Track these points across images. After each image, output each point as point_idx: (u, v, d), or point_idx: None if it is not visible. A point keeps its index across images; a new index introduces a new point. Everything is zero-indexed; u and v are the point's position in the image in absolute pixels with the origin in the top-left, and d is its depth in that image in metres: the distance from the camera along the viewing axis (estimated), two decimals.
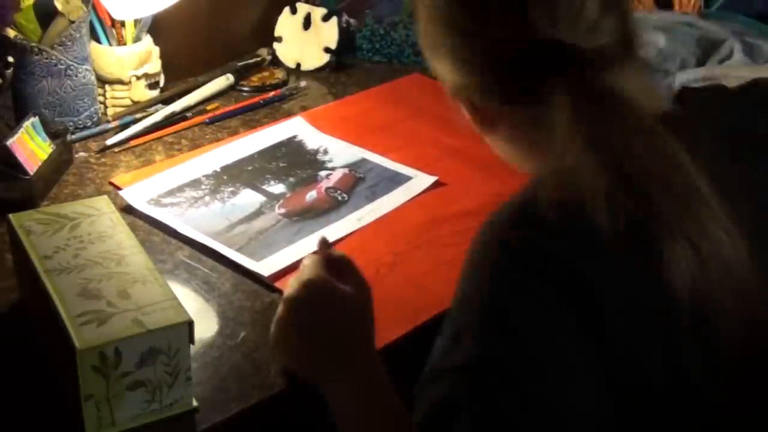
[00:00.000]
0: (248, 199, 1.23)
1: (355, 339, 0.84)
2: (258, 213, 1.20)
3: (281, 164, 1.32)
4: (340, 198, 1.23)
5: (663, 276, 0.67)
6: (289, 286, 0.85)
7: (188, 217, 1.18)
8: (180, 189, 1.24)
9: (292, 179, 1.28)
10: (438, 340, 0.71)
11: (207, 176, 1.28)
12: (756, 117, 0.81)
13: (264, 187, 1.26)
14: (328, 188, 1.25)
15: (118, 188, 1.23)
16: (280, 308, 0.85)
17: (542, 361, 0.66)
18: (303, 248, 1.11)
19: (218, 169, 1.29)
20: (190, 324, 0.83)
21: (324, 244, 0.91)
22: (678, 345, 0.68)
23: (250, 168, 1.30)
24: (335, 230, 1.16)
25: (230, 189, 1.25)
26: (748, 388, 0.71)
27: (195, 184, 1.26)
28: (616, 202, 0.66)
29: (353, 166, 1.31)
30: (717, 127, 0.78)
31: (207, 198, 1.23)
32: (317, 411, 0.98)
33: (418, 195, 1.24)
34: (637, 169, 0.68)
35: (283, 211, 1.20)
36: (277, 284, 1.05)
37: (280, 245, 1.12)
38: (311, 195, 1.24)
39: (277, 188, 1.25)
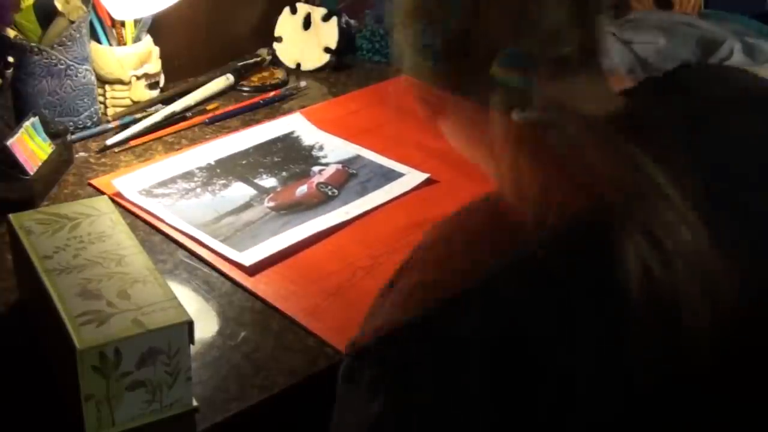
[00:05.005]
0: (239, 192, 1.24)
1: None
2: (247, 206, 1.20)
3: (276, 159, 1.32)
4: (330, 193, 1.23)
5: (617, 274, 0.66)
6: None
7: (177, 208, 1.18)
8: (172, 180, 1.25)
9: (284, 174, 1.28)
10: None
11: (200, 168, 1.28)
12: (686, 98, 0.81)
13: (256, 180, 1.26)
14: (319, 183, 1.25)
15: (98, 189, 1.23)
16: None
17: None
18: (286, 239, 1.12)
19: (212, 162, 1.30)
20: (190, 324, 0.83)
21: None
22: (638, 343, 0.67)
23: (244, 162, 1.31)
24: (321, 222, 1.16)
25: (222, 182, 1.26)
26: (721, 378, 0.71)
27: (188, 176, 1.27)
28: (560, 203, 0.66)
29: (347, 163, 1.31)
30: (668, 115, 0.78)
31: (198, 190, 1.23)
32: (317, 411, 0.98)
33: (407, 192, 1.24)
34: (585, 171, 0.68)
35: (272, 204, 1.21)
36: (254, 279, 1.06)
37: (264, 236, 1.13)
38: (301, 190, 1.24)
39: (269, 182, 1.26)
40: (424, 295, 0.68)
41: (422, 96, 0.79)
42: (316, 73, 1.61)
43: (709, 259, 0.67)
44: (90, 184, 1.25)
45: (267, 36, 1.63)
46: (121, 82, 1.41)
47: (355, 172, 1.29)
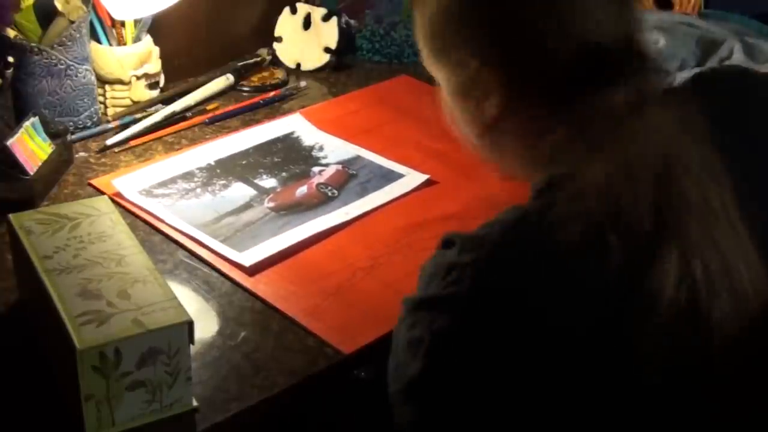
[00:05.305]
0: (239, 192, 1.24)
1: None
2: (247, 206, 1.20)
3: (275, 159, 1.32)
4: (330, 194, 1.23)
5: (654, 282, 0.67)
6: None
7: (177, 208, 1.19)
8: (173, 180, 1.25)
9: (284, 174, 1.28)
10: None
11: (201, 169, 1.29)
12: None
13: (256, 181, 1.26)
14: (319, 184, 1.25)
15: (98, 189, 1.23)
16: None
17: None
18: (286, 240, 1.12)
19: (212, 163, 1.30)
20: (190, 324, 0.83)
21: None
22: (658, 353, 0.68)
23: (244, 162, 1.31)
24: (321, 223, 1.16)
25: (222, 182, 1.26)
26: (743, 395, 0.71)
27: (188, 176, 1.27)
28: (622, 206, 0.68)
29: (347, 163, 1.31)
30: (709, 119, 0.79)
31: (198, 190, 1.24)
32: (317, 411, 0.98)
33: (407, 193, 1.24)
34: (644, 170, 0.69)
35: (272, 205, 1.21)
36: (254, 279, 1.06)
37: (264, 237, 1.13)
38: (301, 190, 1.24)
39: (269, 182, 1.26)
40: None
41: (476, 109, 0.80)
42: (316, 73, 1.61)
43: (755, 283, 0.69)
44: (90, 184, 1.25)
45: (267, 36, 1.63)
46: (121, 82, 1.41)
47: (355, 172, 1.29)
